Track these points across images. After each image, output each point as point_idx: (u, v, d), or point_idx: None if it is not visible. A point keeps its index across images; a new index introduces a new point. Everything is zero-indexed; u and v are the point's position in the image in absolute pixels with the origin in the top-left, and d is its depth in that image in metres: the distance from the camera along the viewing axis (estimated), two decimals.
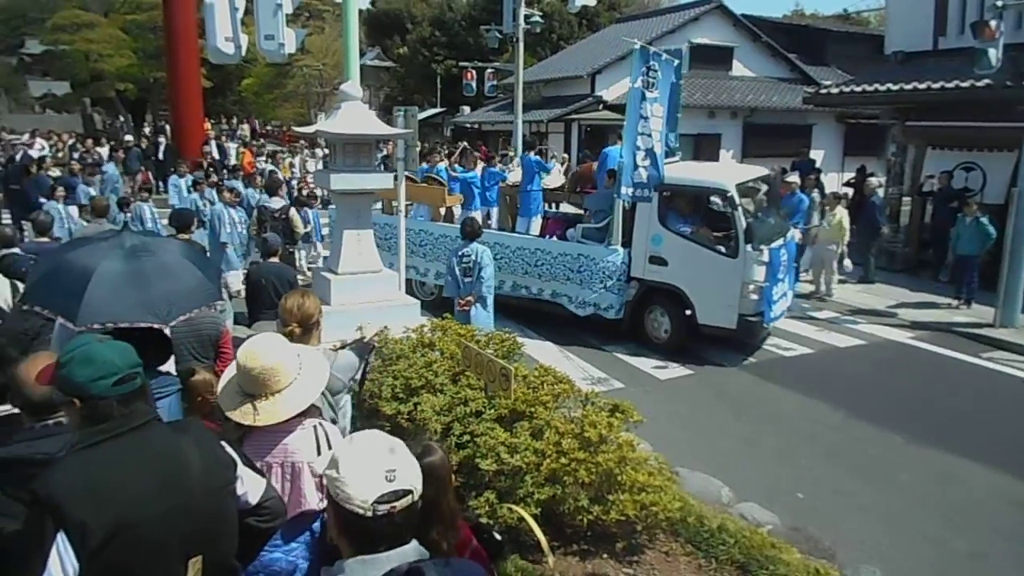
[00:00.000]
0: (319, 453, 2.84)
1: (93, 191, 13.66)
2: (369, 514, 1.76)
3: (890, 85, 13.52)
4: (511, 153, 21.41)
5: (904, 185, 14.76)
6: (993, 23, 9.76)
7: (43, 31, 42.66)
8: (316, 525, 3.00)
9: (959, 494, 6.21)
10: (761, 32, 27.92)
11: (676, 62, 10.24)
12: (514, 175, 13.47)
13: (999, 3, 9.98)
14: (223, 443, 2.44)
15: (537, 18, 21.45)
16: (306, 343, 3.47)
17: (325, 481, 1.88)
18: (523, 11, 20.08)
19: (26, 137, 23.88)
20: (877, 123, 20.24)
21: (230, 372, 2.95)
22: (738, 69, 27.69)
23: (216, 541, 2.30)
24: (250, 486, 2.49)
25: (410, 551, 1.85)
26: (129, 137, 24.09)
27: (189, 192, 14.09)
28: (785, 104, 24.75)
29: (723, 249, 9.06)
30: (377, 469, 1.80)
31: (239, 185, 13.38)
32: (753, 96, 25.76)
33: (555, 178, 13.80)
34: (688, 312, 9.30)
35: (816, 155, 23.91)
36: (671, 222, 9.38)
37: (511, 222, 13.02)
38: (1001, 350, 9.91)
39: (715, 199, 9.53)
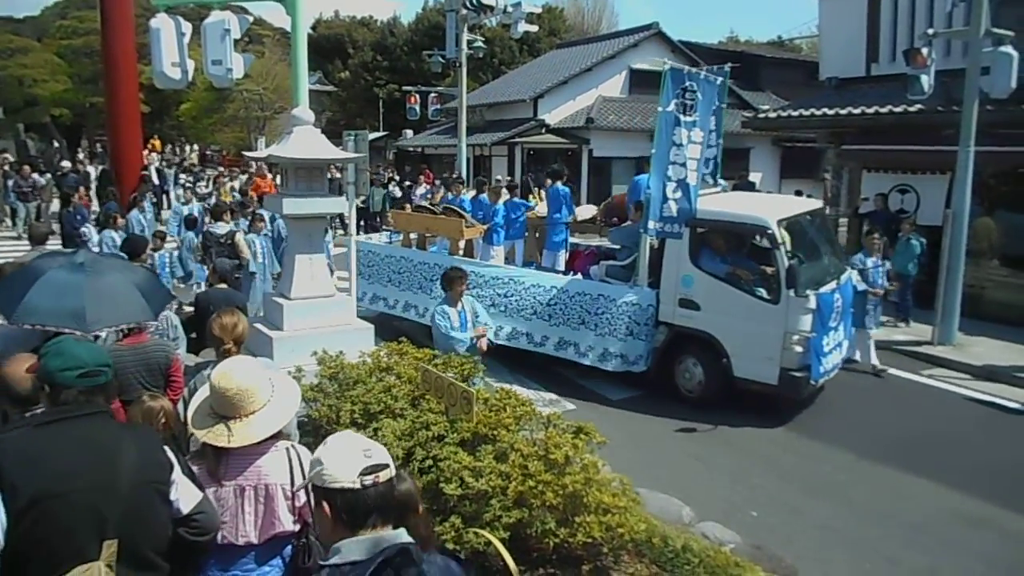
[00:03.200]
0: (292, 475, 2.88)
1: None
2: (358, 486, 1.97)
3: (826, 110, 13.99)
4: (455, 176, 21.47)
5: (840, 207, 15.26)
6: (924, 50, 10.20)
7: None
8: (288, 550, 2.98)
9: (910, 511, 6.33)
10: (698, 58, 28.63)
11: (719, 80, 9.21)
12: (541, 207, 12.42)
13: (930, 31, 10.44)
14: (166, 448, 2.62)
15: (480, 43, 21.62)
16: None
17: (312, 478, 2.06)
18: (466, 36, 20.21)
19: None
20: (813, 146, 20.86)
21: (202, 394, 2.97)
22: None
23: (137, 533, 2.43)
24: (183, 494, 2.60)
25: (398, 534, 2.02)
26: (66, 163, 23.37)
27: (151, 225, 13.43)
28: (724, 128, 25.25)
29: (763, 293, 8.07)
30: (355, 451, 2.04)
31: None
32: None
33: (586, 209, 12.99)
34: (725, 361, 8.29)
35: (754, 178, 24.54)
36: (704, 261, 8.44)
37: (539, 258, 11.81)
38: (940, 367, 10.19)
39: (755, 236, 8.59)
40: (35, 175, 20.16)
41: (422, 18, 44.12)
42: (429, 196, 19.48)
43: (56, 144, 39.37)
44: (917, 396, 9.27)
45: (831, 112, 13.82)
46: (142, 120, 20.92)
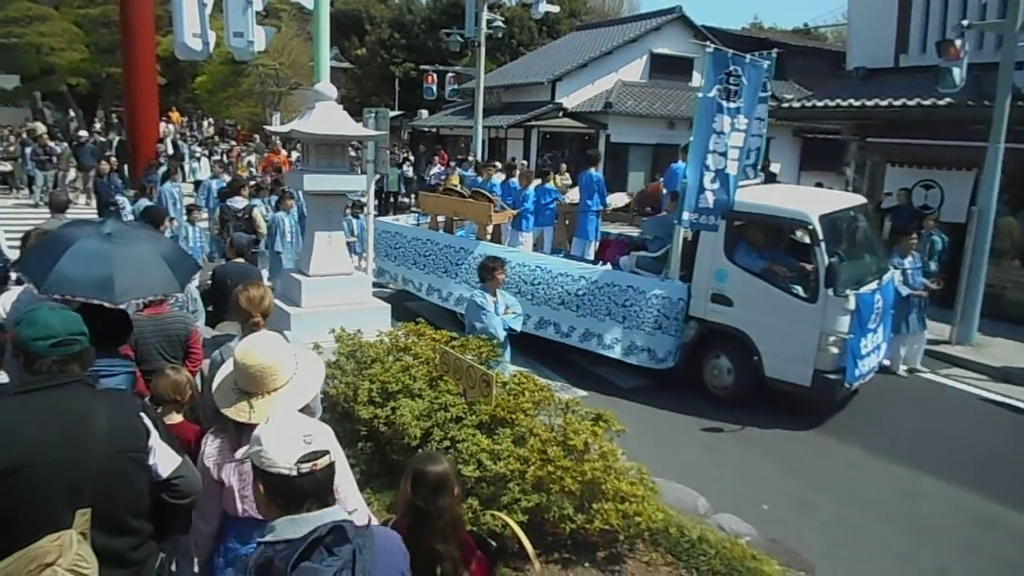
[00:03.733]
0: None
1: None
2: (294, 473, 1.97)
3: (852, 101, 13.77)
4: (471, 159, 21.39)
5: None
6: (958, 42, 10.00)
7: None
8: None
9: (921, 509, 6.29)
10: (721, 44, 28.32)
11: (766, 65, 8.66)
12: (572, 193, 12.13)
13: (964, 23, 10.23)
14: (143, 415, 2.65)
15: (499, 23, 21.49)
16: None
17: (251, 456, 2.06)
18: (485, 15, 20.07)
19: None
20: (836, 138, 20.62)
21: (226, 369, 2.96)
22: (698, 80, 27.96)
23: (112, 500, 2.47)
24: (161, 459, 2.63)
25: (334, 512, 2.03)
26: (83, 132, 23.40)
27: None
28: None
29: (800, 291, 7.78)
30: (296, 436, 2.03)
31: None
32: None
33: (619, 197, 12.56)
34: (756, 359, 8.03)
35: (774, 169, 24.35)
36: (740, 256, 8.16)
37: (568, 245, 11.43)
38: (957, 367, 10.06)
39: (795, 231, 8.35)
40: (52, 143, 20.19)
41: None
42: (443, 177, 19.40)
43: (72, 113, 39.43)
44: (933, 395, 9.17)
45: (857, 103, 13.60)
46: (158, 92, 20.93)
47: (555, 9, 21.59)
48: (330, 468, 2.06)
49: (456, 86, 28.54)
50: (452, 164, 23.15)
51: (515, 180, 11.51)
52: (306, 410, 2.95)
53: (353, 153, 13.30)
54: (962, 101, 11.39)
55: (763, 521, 5.77)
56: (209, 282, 7.35)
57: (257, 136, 34.89)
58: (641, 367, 8.65)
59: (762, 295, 7.95)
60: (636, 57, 27.44)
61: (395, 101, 40.51)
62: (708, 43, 8.13)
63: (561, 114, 26.51)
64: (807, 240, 7.84)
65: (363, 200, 13.92)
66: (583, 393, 8.28)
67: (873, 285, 8.10)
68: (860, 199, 9.57)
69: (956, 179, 12.80)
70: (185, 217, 11.58)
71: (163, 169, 14.80)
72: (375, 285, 12.10)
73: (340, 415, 5.54)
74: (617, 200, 12.22)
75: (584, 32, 32.70)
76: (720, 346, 8.32)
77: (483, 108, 21.29)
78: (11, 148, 21.89)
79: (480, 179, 12.90)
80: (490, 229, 10.63)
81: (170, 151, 21.90)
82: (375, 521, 3.15)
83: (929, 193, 13.22)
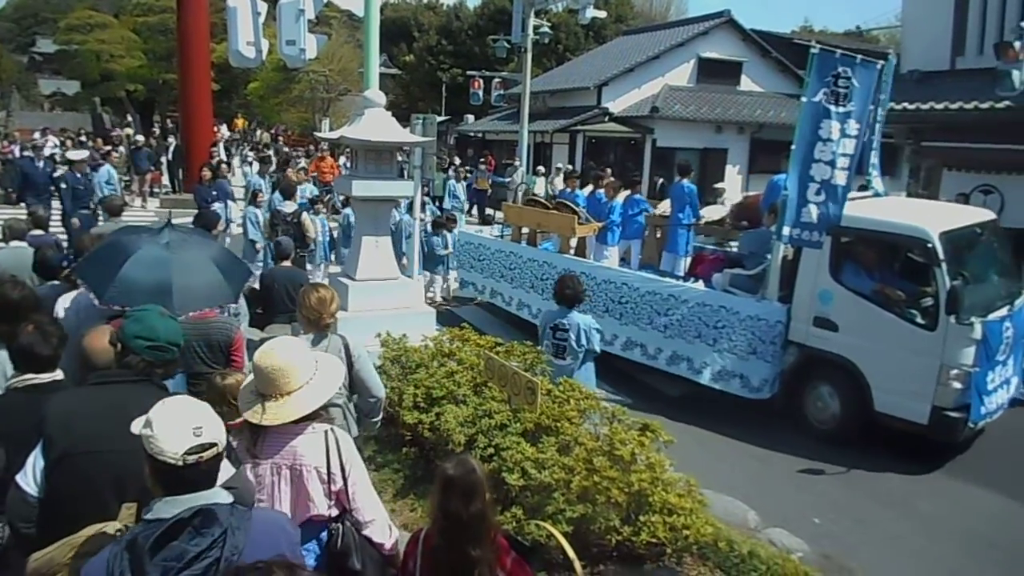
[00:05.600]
0: (328, 458, 2.91)
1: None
2: (180, 463, 2.01)
3: (906, 104, 13.42)
4: (516, 163, 21.44)
5: None
6: (1017, 44, 9.71)
7: (55, 31, 42.90)
8: (324, 535, 3.00)
9: (981, 526, 6.06)
10: (770, 47, 27.94)
11: (880, 65, 7.79)
12: (663, 205, 11.44)
13: (1023, 24, 9.93)
14: None
15: (546, 28, 21.47)
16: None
17: (141, 438, 2.09)
18: (532, 21, 20.08)
19: (37, 135, 24.10)
20: (887, 142, 20.12)
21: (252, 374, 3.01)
22: (746, 84, 27.71)
23: None
24: None
25: (208, 495, 2.08)
26: (140, 137, 24.05)
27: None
28: (793, 120, 24.11)
29: (917, 317, 7.02)
30: (185, 426, 2.05)
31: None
32: (761, 111, 25.78)
33: (715, 209, 11.75)
34: (865, 392, 7.27)
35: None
36: (847, 276, 7.46)
37: (658, 260, 10.74)
38: None
39: (912, 249, 7.45)
40: (107, 147, 20.83)
41: (488, 2, 43.97)
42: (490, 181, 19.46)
43: (130, 119, 40.61)
44: None
45: (912, 107, 13.25)
46: (212, 98, 21.44)
47: (602, 14, 21.52)
48: (216, 459, 2.11)
49: (502, 91, 28.63)
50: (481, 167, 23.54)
51: (601, 191, 11.04)
52: (319, 417, 2.97)
53: (400, 158, 13.34)
54: (1022, 104, 11.04)
55: (816, 536, 5.63)
56: (256, 285, 7.45)
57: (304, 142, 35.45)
58: (696, 381, 8.23)
59: (872, 320, 7.20)
60: (683, 61, 27.18)
61: (442, 107, 40.82)
62: (814, 44, 7.57)
63: (607, 119, 26.40)
64: (925, 260, 7.06)
65: (454, 215, 14.05)
66: (628, 401, 8.16)
67: (1003, 311, 7.23)
68: (988, 214, 8.62)
69: (1017, 184, 12.39)
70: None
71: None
72: (460, 298, 12.32)
73: (385, 420, 5.56)
74: (713, 213, 11.48)
75: (631, 37, 32.54)
76: (823, 376, 7.58)
77: (529, 113, 21.29)
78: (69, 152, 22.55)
79: (568, 190, 12.24)
80: (574, 242, 10.18)
81: (223, 156, 22.35)
82: (396, 534, 3.15)
83: (988, 198, 12.80)
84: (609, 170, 20.82)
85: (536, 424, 4.86)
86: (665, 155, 25.45)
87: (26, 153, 18.67)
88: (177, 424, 2.06)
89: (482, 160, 25.72)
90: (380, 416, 4.60)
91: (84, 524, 2.39)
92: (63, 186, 12.65)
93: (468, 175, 22.10)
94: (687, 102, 25.74)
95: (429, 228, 12.35)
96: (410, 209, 11.15)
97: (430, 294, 12.27)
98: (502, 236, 11.76)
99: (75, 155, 14.42)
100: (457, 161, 26.85)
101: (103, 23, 40.35)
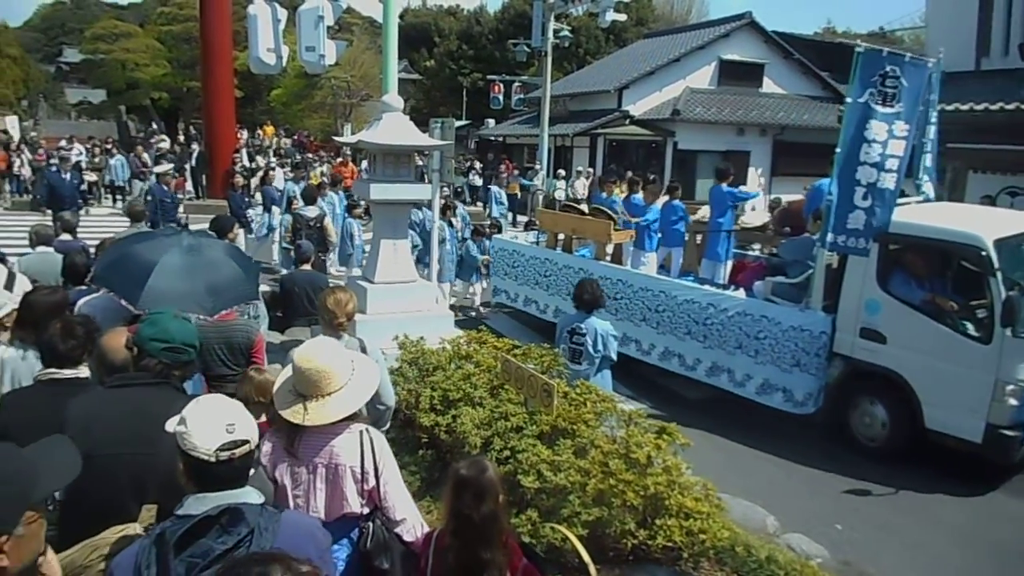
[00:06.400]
0: (362, 458, 2.94)
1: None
2: (212, 460, 2.05)
3: None
4: (537, 167, 21.47)
5: None
6: None
7: (82, 40, 43.62)
8: (355, 533, 3.01)
9: (1010, 536, 5.94)
10: (793, 49, 27.76)
11: (930, 63, 7.45)
12: (702, 211, 11.13)
13: None
14: None
15: (566, 32, 21.48)
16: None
17: (175, 435, 2.12)
18: (552, 25, 20.09)
19: (64, 143, 24.53)
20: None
21: (287, 373, 3.04)
22: (768, 86, 27.57)
23: (178, 500, 2.56)
24: None
25: (239, 494, 2.10)
26: (164, 144, 24.41)
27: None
28: (816, 122, 24.33)
29: (970, 329, 6.67)
30: (219, 423, 2.10)
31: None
32: (784, 113, 25.62)
33: (757, 215, 11.49)
34: (915, 408, 6.93)
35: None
36: (895, 285, 7.10)
37: (698, 267, 10.48)
38: None
39: (965, 258, 6.99)
40: (145, 155, 21.21)
41: (508, 7, 44.13)
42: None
43: (155, 126, 41.18)
44: None
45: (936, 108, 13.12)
46: (235, 104, 21.69)
47: (622, 18, 21.46)
48: (248, 456, 2.15)
49: (522, 95, 28.68)
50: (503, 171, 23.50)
51: (638, 195, 10.68)
52: (357, 417, 3.01)
53: (420, 162, 13.38)
54: None
55: (838, 543, 5.57)
56: (277, 288, 7.52)
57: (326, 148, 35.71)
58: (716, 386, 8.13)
59: (922, 332, 6.86)
60: (705, 64, 27.11)
61: (462, 111, 40.97)
62: (859, 44, 7.27)
63: (628, 121, 26.37)
64: (979, 269, 6.67)
65: (499, 221, 14.00)
66: (646, 404, 8.12)
67: None
68: None
69: None
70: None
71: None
72: (494, 305, 12.16)
73: (402, 422, 5.59)
74: (754, 219, 11.28)
75: (651, 40, 32.50)
76: (870, 390, 7.27)
77: (549, 117, 21.30)
78: (96, 160, 22.91)
79: (604, 195, 11.82)
80: (610, 249, 9.93)
81: (246, 162, 22.56)
82: (421, 530, 3.15)
83: (1015, 200, 12.65)
84: (629, 173, 20.91)
85: (552, 426, 4.85)
86: (686, 157, 25.39)
87: (52, 162, 18.56)
88: (211, 421, 2.11)
89: (500, 164, 25.79)
90: (388, 425, 4.62)
91: (104, 526, 2.41)
92: (149, 199, 12.13)
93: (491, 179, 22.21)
94: (708, 104, 25.65)
95: (467, 235, 12.34)
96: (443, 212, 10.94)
97: (467, 301, 12.34)
98: (537, 242, 11.59)
99: (161, 168, 14.24)
100: (479, 165, 26.98)
101: (128, 32, 40.98)
